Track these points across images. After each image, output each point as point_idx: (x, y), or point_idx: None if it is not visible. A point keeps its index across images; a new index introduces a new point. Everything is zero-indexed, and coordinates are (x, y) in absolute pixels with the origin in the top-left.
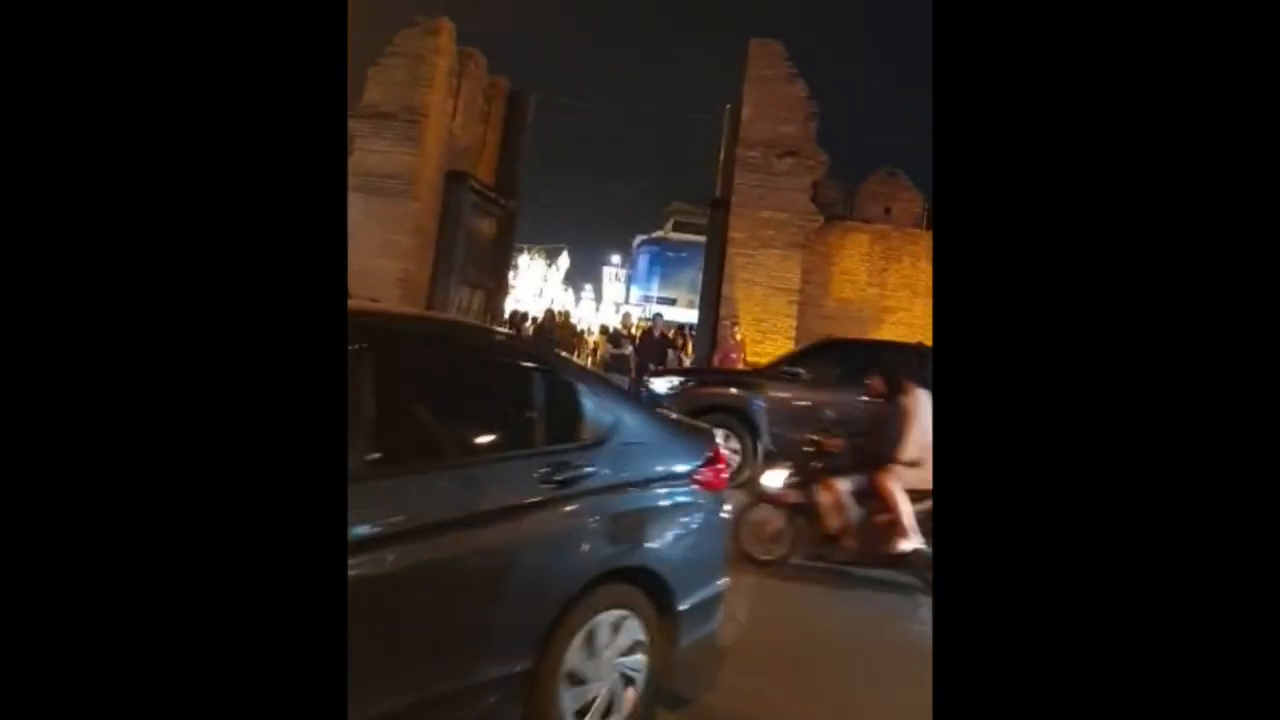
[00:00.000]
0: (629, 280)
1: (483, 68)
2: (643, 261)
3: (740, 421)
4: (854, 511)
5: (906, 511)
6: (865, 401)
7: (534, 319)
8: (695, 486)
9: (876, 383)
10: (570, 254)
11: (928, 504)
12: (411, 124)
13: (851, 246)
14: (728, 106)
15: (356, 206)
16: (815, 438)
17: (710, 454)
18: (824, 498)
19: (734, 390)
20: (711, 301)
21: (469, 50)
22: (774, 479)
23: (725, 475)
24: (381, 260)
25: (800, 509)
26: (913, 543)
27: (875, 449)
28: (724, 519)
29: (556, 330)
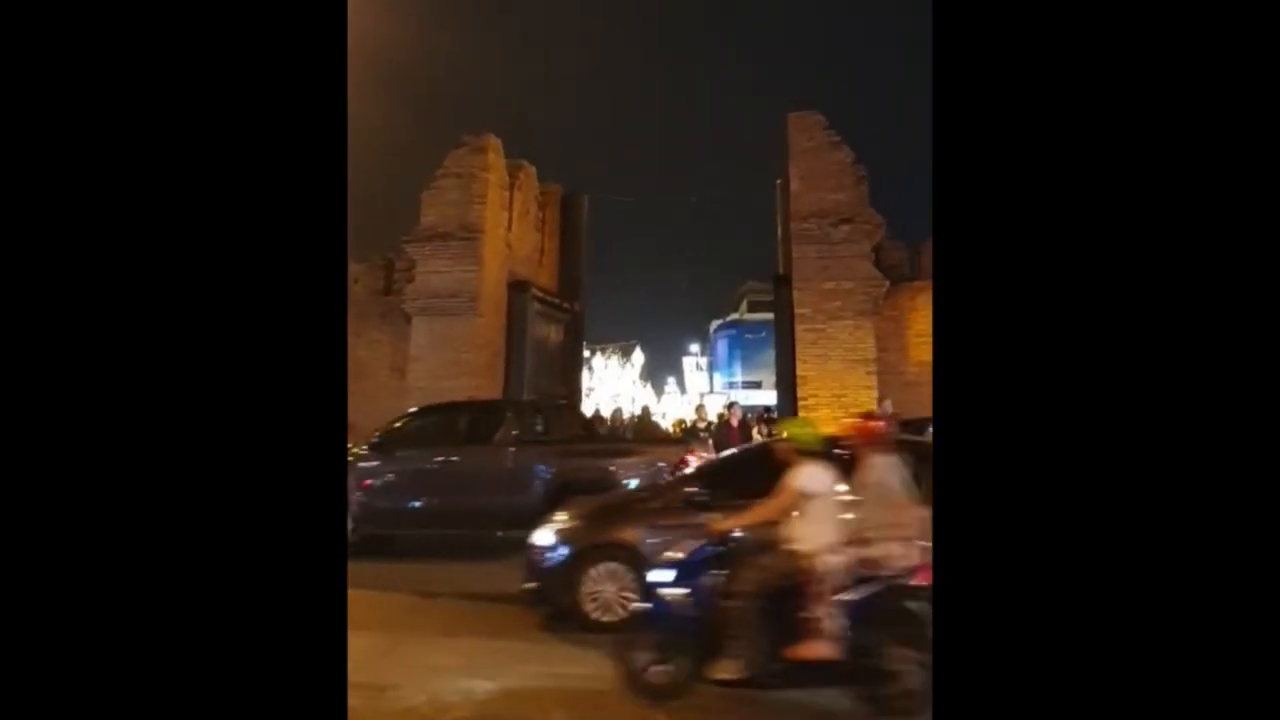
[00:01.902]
0: (710, 367)
1: (533, 177)
2: (721, 347)
3: None
4: None
5: None
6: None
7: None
8: None
9: None
10: (647, 347)
11: None
12: (469, 241)
13: (924, 307)
14: (777, 181)
15: (422, 329)
16: None
17: None
18: None
19: None
20: (787, 381)
21: (518, 162)
22: None
23: None
24: (451, 380)
25: None
26: None
27: None
28: None
29: (631, 426)
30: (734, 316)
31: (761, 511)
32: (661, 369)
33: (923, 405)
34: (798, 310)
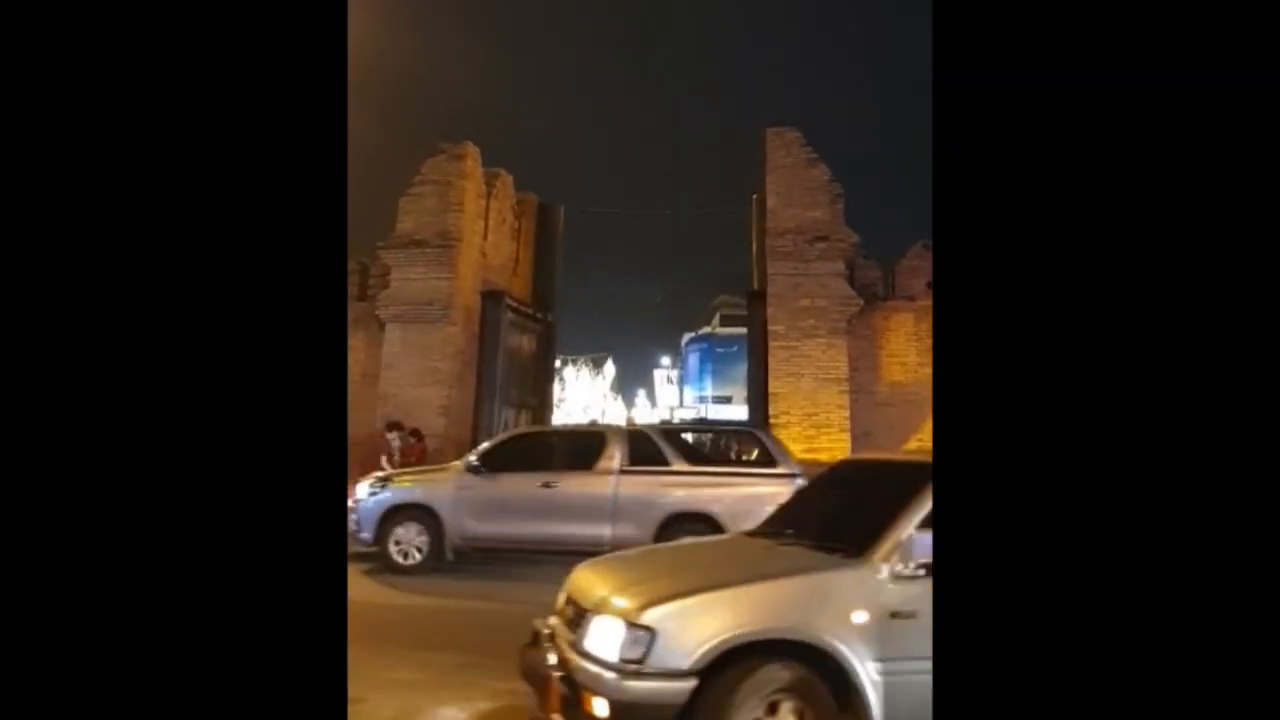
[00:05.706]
0: (681, 381)
1: (509, 186)
2: (692, 360)
3: None
4: None
5: None
6: None
7: None
8: None
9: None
10: (618, 360)
11: None
12: (444, 249)
13: (897, 327)
14: (754, 196)
15: (395, 336)
16: None
17: None
18: None
19: None
20: (759, 398)
21: (496, 170)
22: None
23: None
24: (423, 389)
25: None
26: None
27: None
28: None
29: None
30: (706, 330)
31: None
32: (632, 381)
33: (891, 425)
34: (771, 327)
